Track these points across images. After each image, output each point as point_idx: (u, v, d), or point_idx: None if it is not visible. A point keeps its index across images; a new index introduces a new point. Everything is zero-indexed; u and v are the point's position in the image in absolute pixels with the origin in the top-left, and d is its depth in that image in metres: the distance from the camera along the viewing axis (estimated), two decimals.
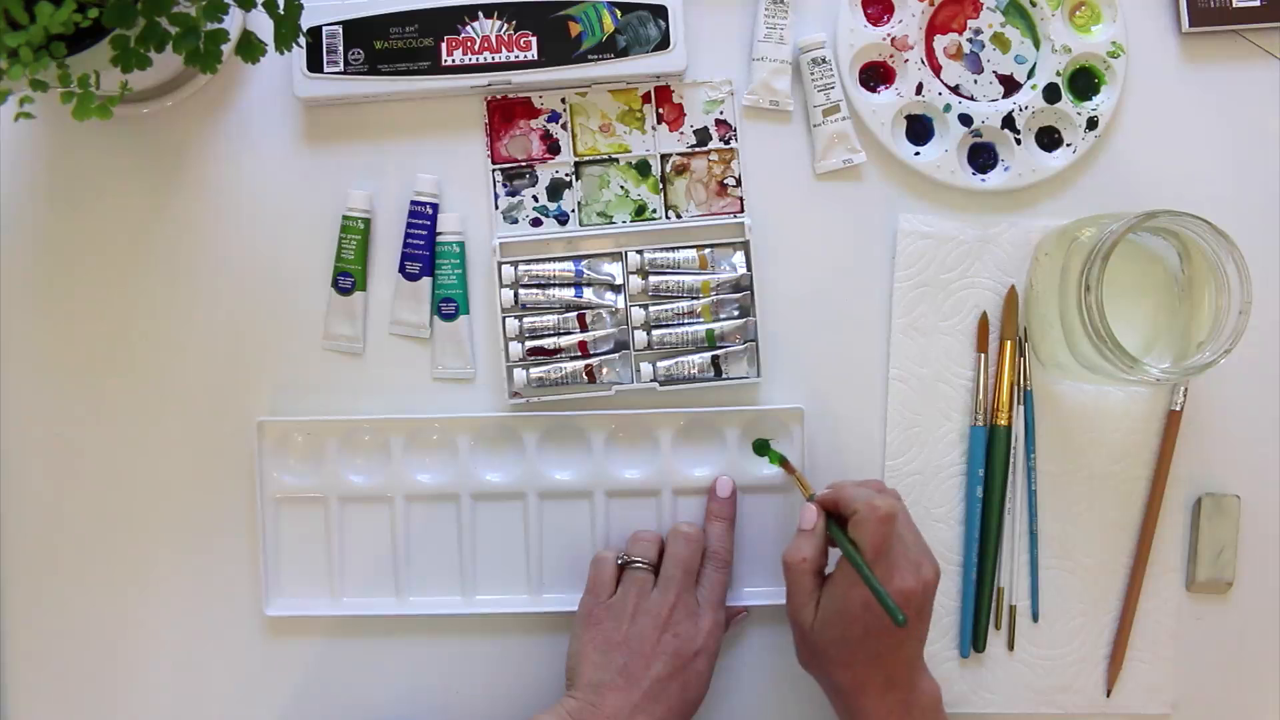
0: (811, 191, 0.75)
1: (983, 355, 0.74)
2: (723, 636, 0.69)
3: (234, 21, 0.69)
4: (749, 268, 0.73)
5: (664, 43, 0.73)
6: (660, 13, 0.73)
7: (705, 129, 0.75)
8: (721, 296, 0.73)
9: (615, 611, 0.68)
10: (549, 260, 0.74)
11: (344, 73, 0.73)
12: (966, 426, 0.74)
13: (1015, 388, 0.74)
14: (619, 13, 0.73)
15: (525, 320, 0.73)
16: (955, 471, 0.74)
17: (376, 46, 0.73)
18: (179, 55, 0.62)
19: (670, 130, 0.75)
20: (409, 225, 0.74)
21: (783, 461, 0.72)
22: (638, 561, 0.69)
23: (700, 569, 0.70)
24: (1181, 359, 0.67)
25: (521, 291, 0.73)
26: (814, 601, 0.65)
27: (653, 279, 0.73)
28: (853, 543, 0.63)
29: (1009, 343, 0.74)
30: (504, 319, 0.73)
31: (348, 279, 0.74)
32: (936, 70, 0.75)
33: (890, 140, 0.75)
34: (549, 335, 0.73)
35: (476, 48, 0.73)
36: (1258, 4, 0.75)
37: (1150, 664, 0.74)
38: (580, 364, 0.73)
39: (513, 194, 0.75)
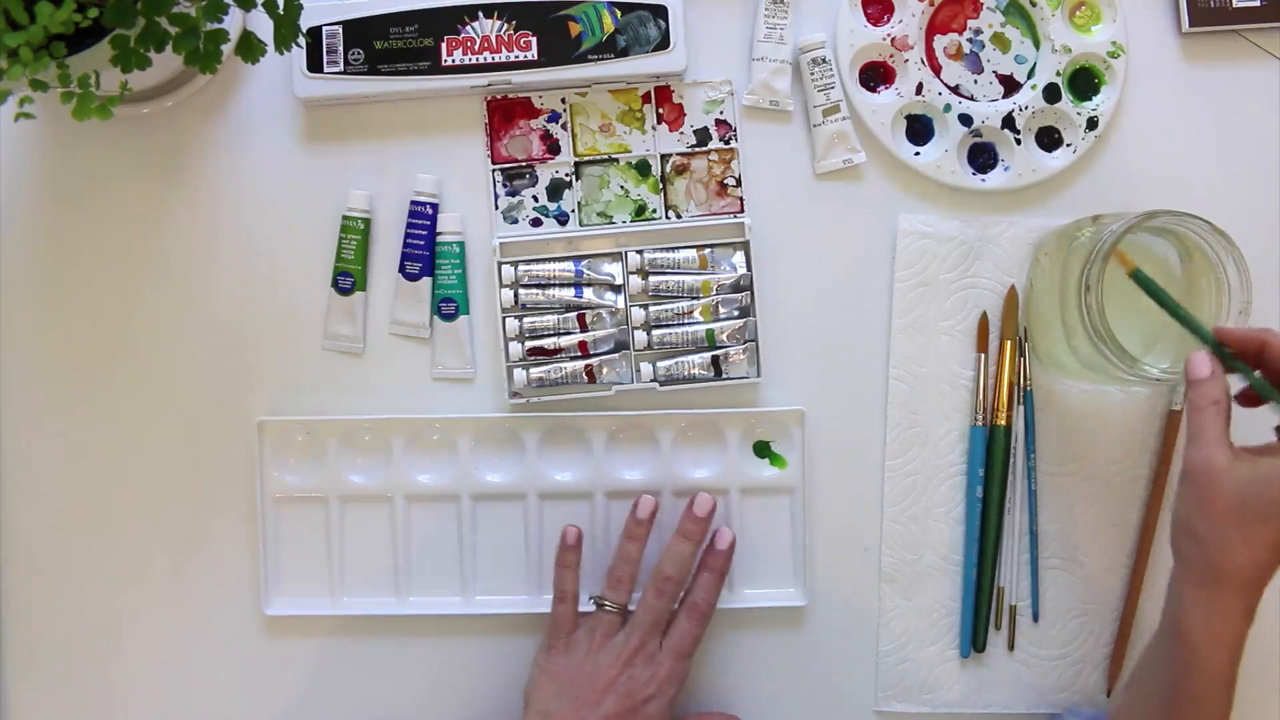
0: (811, 191, 0.75)
1: (983, 355, 0.74)
2: (683, 687, 0.68)
3: (234, 21, 0.69)
4: (749, 268, 0.73)
5: (664, 43, 0.73)
6: (660, 13, 0.73)
7: (705, 129, 0.75)
8: (722, 296, 0.73)
9: (576, 646, 0.68)
10: (549, 260, 0.74)
11: (344, 73, 0.73)
12: (966, 426, 0.74)
13: (1015, 388, 0.74)
14: (619, 13, 0.73)
15: (525, 320, 0.73)
16: (955, 471, 0.74)
17: (376, 46, 0.73)
18: (179, 55, 0.62)
19: (670, 130, 0.75)
20: (409, 225, 0.74)
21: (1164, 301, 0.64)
22: (608, 604, 0.68)
23: (675, 615, 0.69)
24: (1181, 359, 0.66)
25: (521, 291, 0.73)
26: (1227, 446, 0.58)
27: (653, 279, 0.73)
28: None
29: (1009, 343, 0.74)
30: (504, 319, 0.73)
31: (348, 279, 0.74)
32: (936, 70, 0.75)
33: (890, 140, 0.74)
34: (549, 335, 0.73)
35: (476, 48, 0.73)
36: (1258, 4, 0.75)
37: None
38: (580, 364, 0.73)
39: (513, 194, 0.75)
